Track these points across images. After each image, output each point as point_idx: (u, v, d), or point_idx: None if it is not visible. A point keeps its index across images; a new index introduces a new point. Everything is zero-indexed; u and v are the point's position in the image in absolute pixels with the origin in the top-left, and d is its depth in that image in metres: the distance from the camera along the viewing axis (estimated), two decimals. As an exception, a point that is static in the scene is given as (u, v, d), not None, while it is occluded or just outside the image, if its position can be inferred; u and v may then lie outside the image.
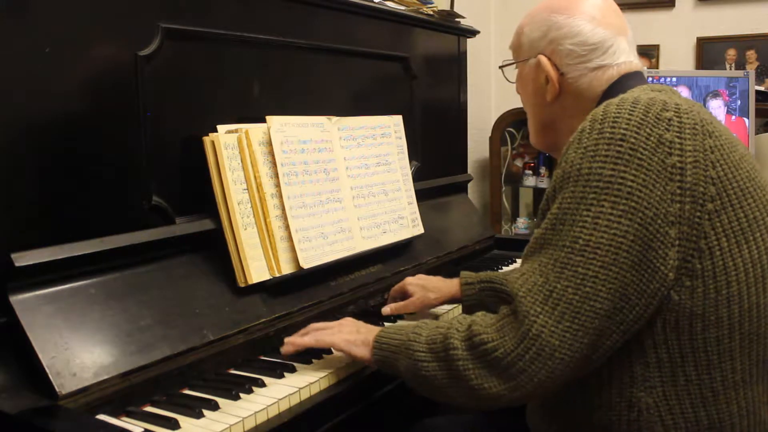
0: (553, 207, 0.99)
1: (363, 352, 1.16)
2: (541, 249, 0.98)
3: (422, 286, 1.51)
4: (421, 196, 1.89)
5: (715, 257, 0.94)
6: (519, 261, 2.04)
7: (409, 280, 1.54)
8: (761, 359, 1.01)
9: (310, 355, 1.26)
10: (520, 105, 1.31)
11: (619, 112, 0.96)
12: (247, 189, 1.37)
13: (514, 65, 1.27)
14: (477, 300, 1.46)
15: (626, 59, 1.15)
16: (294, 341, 1.24)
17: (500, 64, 1.33)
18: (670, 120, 0.95)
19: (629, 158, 0.93)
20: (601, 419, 1.01)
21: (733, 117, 2.70)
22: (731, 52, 3.25)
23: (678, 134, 0.95)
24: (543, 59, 1.16)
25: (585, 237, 0.93)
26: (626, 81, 1.12)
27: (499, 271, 1.98)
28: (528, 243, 1.03)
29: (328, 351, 1.29)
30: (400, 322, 1.36)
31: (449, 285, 1.51)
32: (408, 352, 1.06)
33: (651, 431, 0.98)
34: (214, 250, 1.34)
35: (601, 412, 1.01)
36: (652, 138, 0.94)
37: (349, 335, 1.19)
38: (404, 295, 1.53)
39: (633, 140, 0.93)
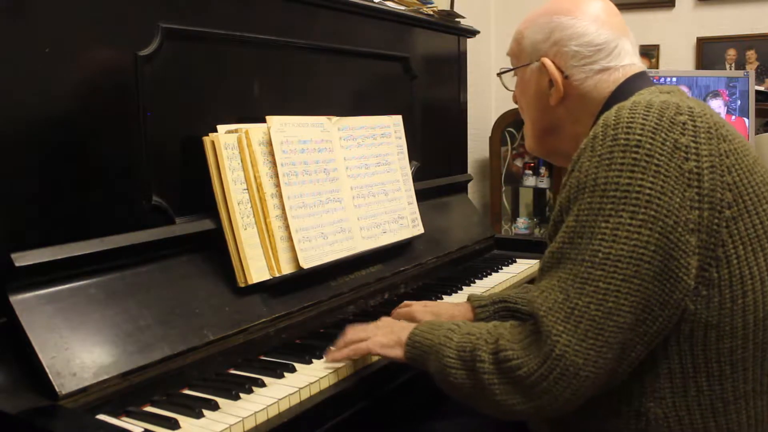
0: (569, 219, 0.96)
1: (397, 352, 1.16)
2: (559, 263, 0.95)
3: (432, 312, 1.43)
4: (421, 196, 1.89)
5: (732, 266, 0.92)
6: (519, 261, 2.06)
7: (416, 308, 1.44)
8: None
9: (310, 355, 1.26)
10: (520, 105, 1.29)
11: (632, 117, 0.93)
12: (247, 189, 1.37)
13: (513, 72, 1.24)
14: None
15: (630, 61, 1.13)
16: (335, 357, 1.23)
17: (498, 71, 1.29)
18: (684, 124, 0.93)
19: (646, 165, 0.90)
20: (608, 428, 1.00)
21: (733, 117, 2.70)
22: (731, 52, 3.25)
23: (693, 138, 0.92)
24: (547, 62, 1.13)
25: (605, 250, 0.90)
26: (633, 82, 1.10)
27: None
28: (544, 257, 1.00)
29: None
30: (434, 320, 1.30)
31: (461, 310, 1.44)
32: (438, 356, 1.06)
33: None
34: (214, 250, 1.34)
35: (609, 421, 0.99)
36: (668, 143, 0.91)
37: (383, 338, 1.19)
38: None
39: (649, 146, 0.91)
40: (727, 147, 0.94)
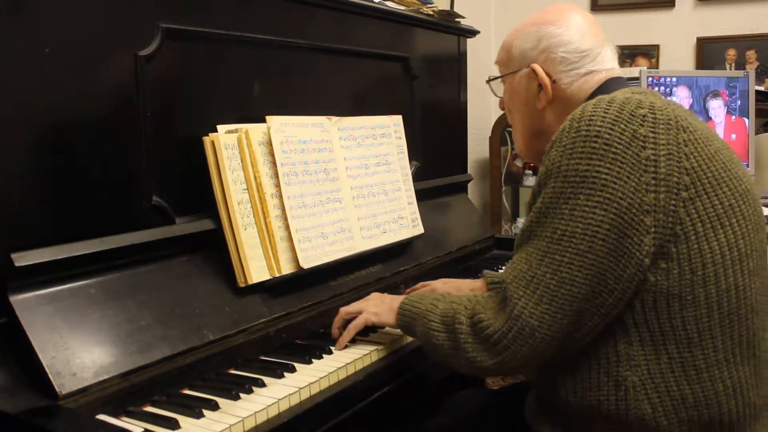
0: (537, 202, 1.07)
1: (389, 317, 1.30)
2: (527, 240, 1.07)
3: (456, 287, 1.52)
4: (421, 196, 1.89)
5: (690, 241, 1.00)
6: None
7: (436, 284, 1.54)
8: (744, 340, 1.05)
9: (310, 355, 1.26)
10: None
11: (595, 111, 1.03)
12: (247, 189, 1.37)
13: (501, 79, 1.33)
14: None
15: (612, 66, 1.24)
16: (342, 343, 1.33)
17: (487, 79, 1.38)
18: (644, 116, 1.02)
19: (603, 153, 1.00)
20: (590, 400, 1.06)
21: (733, 117, 2.71)
22: (731, 52, 3.26)
23: (652, 129, 1.01)
24: (537, 67, 1.23)
25: (562, 227, 1.02)
26: (609, 85, 1.19)
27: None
28: (517, 235, 1.12)
29: (329, 351, 1.30)
30: (421, 291, 1.39)
31: (479, 285, 1.51)
32: (424, 321, 1.17)
33: (639, 410, 1.03)
34: (214, 250, 1.34)
35: (591, 392, 1.06)
36: (626, 133, 1.00)
37: (375, 307, 1.33)
38: None
39: (607, 136, 1.00)
40: (687, 137, 1.02)
